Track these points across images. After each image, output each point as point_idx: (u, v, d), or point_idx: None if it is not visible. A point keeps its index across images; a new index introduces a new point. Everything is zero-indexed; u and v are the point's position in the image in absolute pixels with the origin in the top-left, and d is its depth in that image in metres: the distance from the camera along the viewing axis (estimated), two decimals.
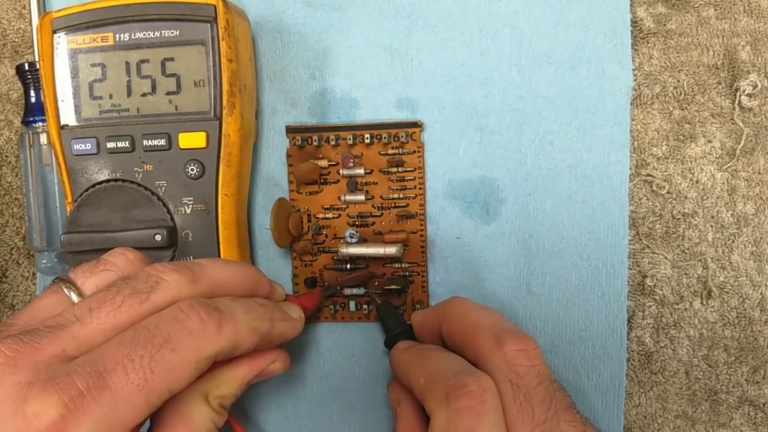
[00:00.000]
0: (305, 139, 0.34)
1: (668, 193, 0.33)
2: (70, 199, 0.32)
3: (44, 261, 0.35)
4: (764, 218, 0.33)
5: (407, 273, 0.34)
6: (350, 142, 0.34)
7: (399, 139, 0.34)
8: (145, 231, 0.31)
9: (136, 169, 0.32)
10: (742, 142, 0.33)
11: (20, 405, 0.20)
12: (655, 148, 0.33)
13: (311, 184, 0.34)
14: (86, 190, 0.32)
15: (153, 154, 0.32)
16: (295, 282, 0.35)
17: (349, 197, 0.34)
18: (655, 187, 0.33)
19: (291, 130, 0.35)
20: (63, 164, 0.32)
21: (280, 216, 0.33)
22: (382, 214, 0.34)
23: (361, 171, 0.34)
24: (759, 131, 0.33)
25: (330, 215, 0.35)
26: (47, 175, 0.35)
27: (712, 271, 0.33)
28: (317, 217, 0.35)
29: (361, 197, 0.34)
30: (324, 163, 0.34)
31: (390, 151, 0.34)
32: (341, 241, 0.34)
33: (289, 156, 0.35)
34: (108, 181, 0.32)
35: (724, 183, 0.33)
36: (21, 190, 0.37)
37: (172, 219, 0.32)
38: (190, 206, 0.32)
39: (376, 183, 0.34)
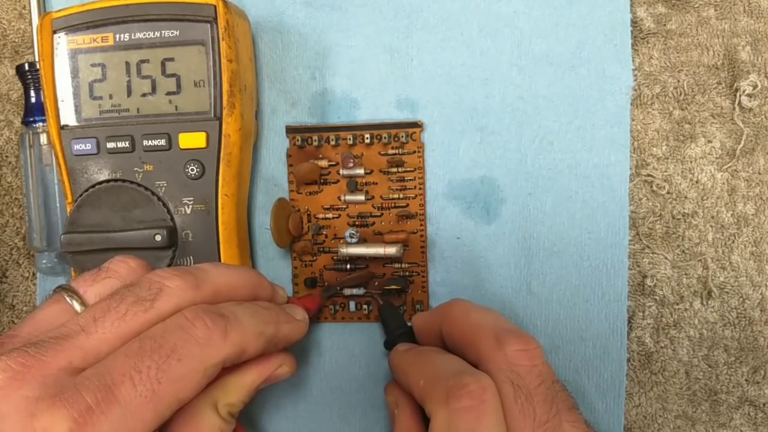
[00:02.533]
0: (305, 139, 0.34)
1: (668, 193, 0.33)
2: (70, 199, 0.32)
3: (44, 261, 0.35)
4: (764, 218, 0.33)
5: (407, 273, 0.34)
6: (350, 142, 0.34)
7: (399, 139, 0.34)
8: (145, 231, 0.31)
9: (136, 169, 0.32)
10: (742, 142, 0.33)
11: (29, 420, 0.19)
12: (655, 148, 0.33)
13: (311, 184, 0.34)
14: (86, 190, 0.32)
15: (153, 154, 0.32)
16: (295, 282, 0.35)
17: (349, 197, 0.34)
18: (655, 187, 0.33)
19: (291, 130, 0.35)
20: (63, 164, 0.32)
21: (280, 216, 0.33)
22: (382, 214, 0.34)
23: (361, 171, 0.34)
24: (759, 131, 0.33)
25: (330, 215, 0.35)
26: (47, 175, 0.35)
27: (712, 271, 0.33)
28: (317, 217, 0.35)
29: (361, 197, 0.34)
30: (324, 163, 0.34)
31: (390, 151, 0.34)
32: (341, 241, 0.34)
33: (289, 156, 0.35)
34: (108, 181, 0.32)
35: (724, 183, 0.33)
36: (21, 190, 0.37)
37: (172, 219, 0.32)
38: (190, 206, 0.32)
39: (376, 183, 0.34)
